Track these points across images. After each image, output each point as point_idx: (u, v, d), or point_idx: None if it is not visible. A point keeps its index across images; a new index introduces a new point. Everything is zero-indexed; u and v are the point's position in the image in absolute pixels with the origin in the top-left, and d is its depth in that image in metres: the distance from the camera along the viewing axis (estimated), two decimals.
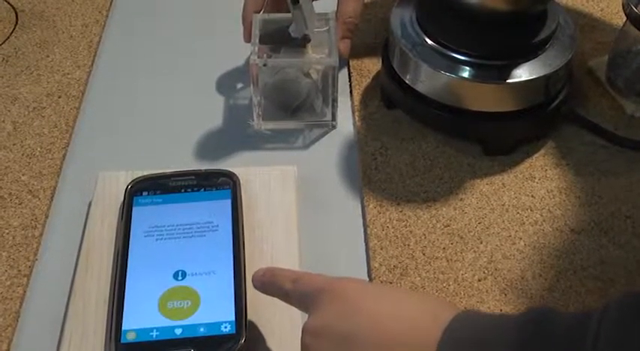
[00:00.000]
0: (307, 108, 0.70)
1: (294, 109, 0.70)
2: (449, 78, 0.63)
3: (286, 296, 0.48)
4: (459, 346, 0.39)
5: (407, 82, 0.66)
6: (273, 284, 0.49)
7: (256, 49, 0.65)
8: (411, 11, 0.67)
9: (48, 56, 0.77)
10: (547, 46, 0.64)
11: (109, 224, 0.59)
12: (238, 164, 0.65)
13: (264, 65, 0.65)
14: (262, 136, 0.69)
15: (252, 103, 0.68)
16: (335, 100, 0.68)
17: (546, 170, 0.65)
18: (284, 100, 0.69)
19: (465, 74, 0.62)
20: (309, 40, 0.66)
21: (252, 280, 0.50)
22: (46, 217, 0.62)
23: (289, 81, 0.68)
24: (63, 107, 0.71)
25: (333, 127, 0.70)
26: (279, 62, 0.67)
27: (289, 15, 0.64)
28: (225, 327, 0.51)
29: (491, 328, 0.39)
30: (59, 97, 0.72)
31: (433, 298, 0.49)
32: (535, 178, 0.64)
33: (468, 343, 0.39)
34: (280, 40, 0.67)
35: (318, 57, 0.67)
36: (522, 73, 0.62)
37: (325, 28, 0.68)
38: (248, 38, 0.69)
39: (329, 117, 0.69)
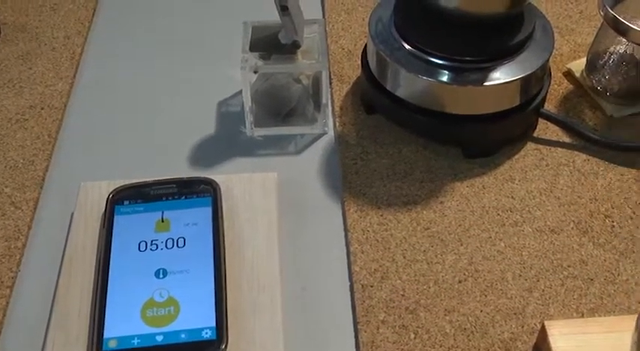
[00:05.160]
0: (299, 114, 0.70)
1: (286, 115, 0.70)
2: (427, 82, 0.63)
3: None
4: None
5: (386, 87, 0.66)
6: None
7: (247, 56, 0.66)
8: (389, 16, 0.68)
9: (30, 68, 0.77)
10: (524, 48, 0.65)
11: (92, 234, 0.59)
12: (230, 171, 0.66)
13: (255, 72, 0.66)
14: (255, 142, 0.70)
15: (243, 110, 0.69)
16: (326, 106, 0.68)
17: (526, 172, 0.66)
18: (275, 106, 0.70)
19: (444, 78, 0.63)
20: (298, 46, 0.67)
21: None
22: (29, 228, 0.62)
23: (280, 87, 0.68)
24: (45, 119, 0.71)
25: (325, 132, 0.70)
26: (269, 69, 0.67)
27: (279, 21, 0.65)
28: (206, 333, 0.51)
29: None
30: (42, 108, 0.72)
31: None
32: (515, 179, 0.65)
33: None
34: (270, 46, 0.67)
35: (308, 63, 0.67)
36: (500, 76, 0.63)
37: (314, 34, 0.69)
38: None
39: (320, 122, 0.70)
